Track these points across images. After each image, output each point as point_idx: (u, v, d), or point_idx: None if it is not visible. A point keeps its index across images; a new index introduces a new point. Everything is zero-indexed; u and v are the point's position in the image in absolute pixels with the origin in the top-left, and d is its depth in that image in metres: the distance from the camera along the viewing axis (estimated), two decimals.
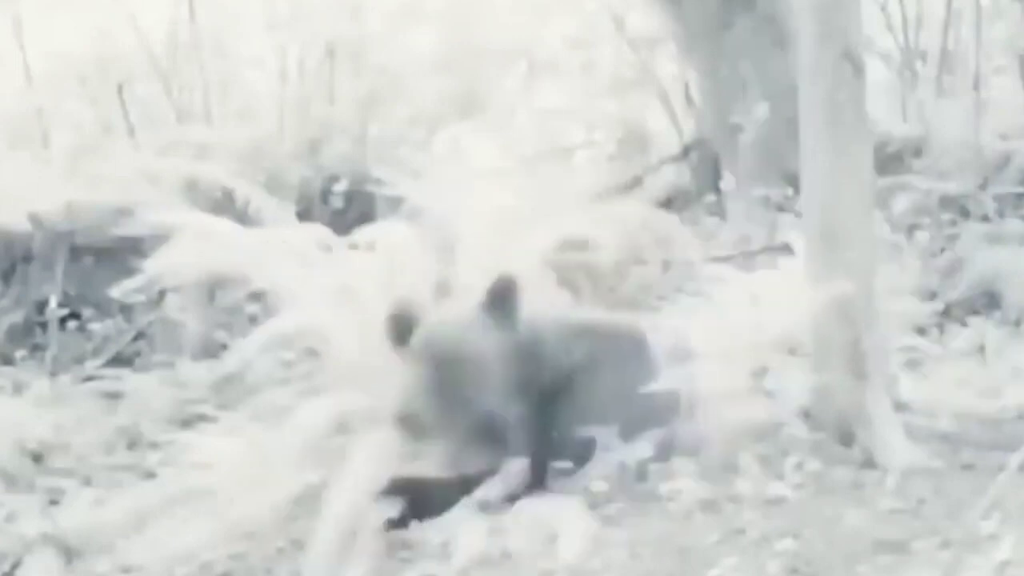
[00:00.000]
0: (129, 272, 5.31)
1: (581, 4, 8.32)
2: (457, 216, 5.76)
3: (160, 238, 5.27)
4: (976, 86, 6.83)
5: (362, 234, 5.41)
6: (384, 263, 5.17)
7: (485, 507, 4.23)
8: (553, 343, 4.48)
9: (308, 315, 4.90)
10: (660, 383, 4.37)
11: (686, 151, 7.40)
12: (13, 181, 6.86)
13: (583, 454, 4.39)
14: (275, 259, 5.06)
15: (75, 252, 6.60)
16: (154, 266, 5.10)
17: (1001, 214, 6.37)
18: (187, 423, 5.21)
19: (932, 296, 5.87)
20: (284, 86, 7.46)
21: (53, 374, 6.02)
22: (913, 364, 5.21)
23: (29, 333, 6.43)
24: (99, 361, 6.13)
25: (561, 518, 4.23)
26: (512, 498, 4.26)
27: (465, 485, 4.28)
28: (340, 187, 7.09)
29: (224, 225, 5.34)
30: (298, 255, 5.12)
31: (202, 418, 5.09)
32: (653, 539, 4.11)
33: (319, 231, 5.39)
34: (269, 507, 4.42)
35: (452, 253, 5.50)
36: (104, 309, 6.37)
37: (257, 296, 5.23)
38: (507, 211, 5.84)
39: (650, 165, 7.62)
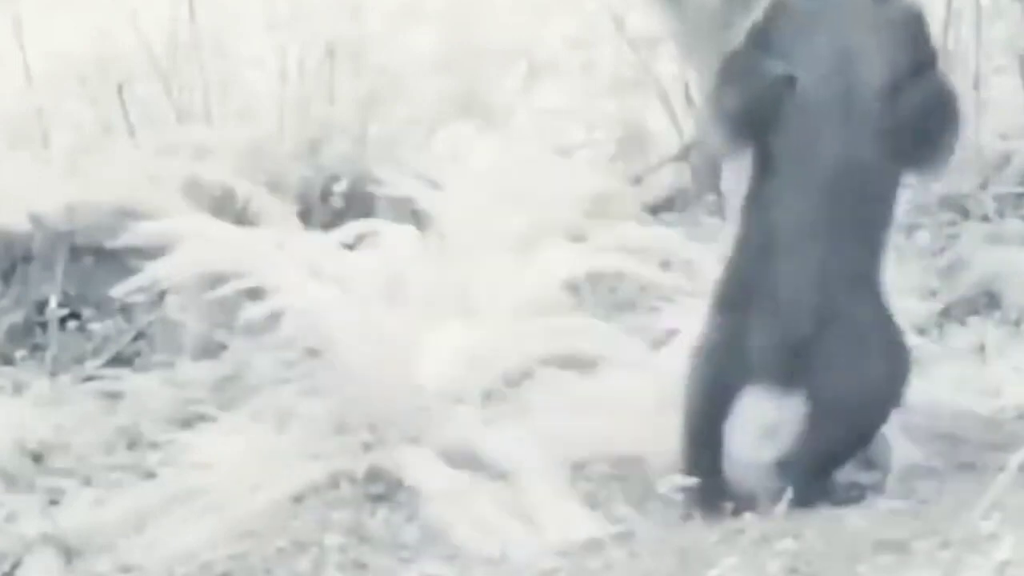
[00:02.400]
0: (129, 272, 5.31)
1: (581, 4, 8.32)
2: (454, 215, 5.78)
3: (160, 240, 5.27)
4: (976, 86, 6.82)
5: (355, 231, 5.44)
6: (385, 264, 5.18)
7: None
8: None
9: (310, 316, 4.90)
10: None
11: (686, 151, 7.39)
12: (13, 181, 6.86)
13: None
14: (276, 260, 5.06)
15: (75, 252, 6.60)
16: (155, 268, 5.10)
17: (1001, 214, 6.36)
18: (187, 423, 5.21)
19: (932, 296, 5.87)
20: (284, 86, 7.45)
21: (53, 374, 6.01)
22: (913, 364, 5.20)
23: (29, 333, 6.43)
24: (99, 361, 6.13)
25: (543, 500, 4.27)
26: None
27: None
28: (340, 187, 7.08)
29: (225, 229, 5.35)
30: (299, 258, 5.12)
31: (202, 418, 5.10)
32: (653, 539, 4.11)
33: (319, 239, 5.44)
34: (269, 507, 4.43)
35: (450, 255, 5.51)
36: (104, 309, 6.37)
37: (257, 296, 5.22)
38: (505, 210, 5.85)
39: (650, 165, 7.62)
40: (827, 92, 4.14)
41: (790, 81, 4.11)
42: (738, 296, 4.21)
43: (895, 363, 4.22)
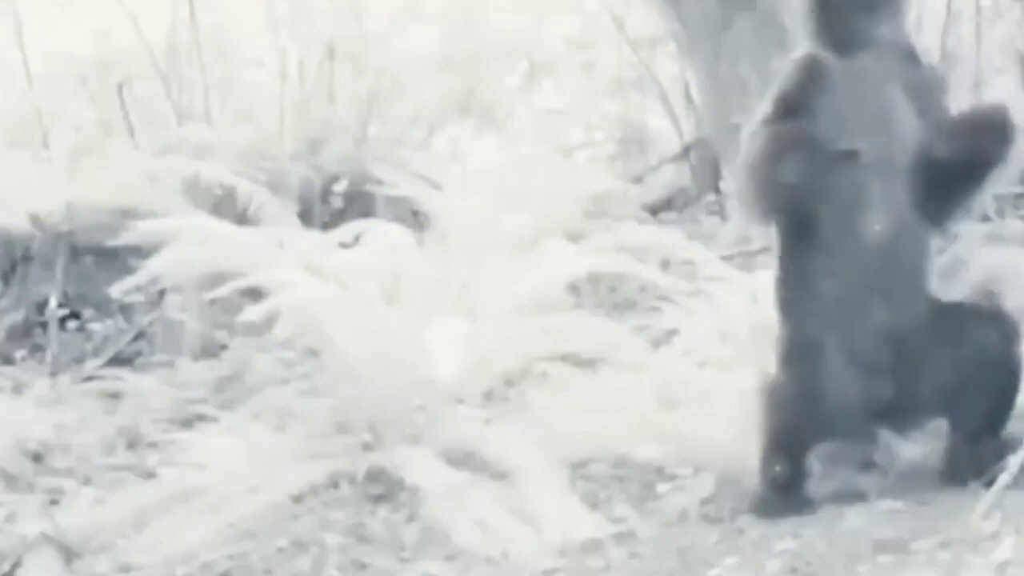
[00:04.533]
0: (129, 272, 5.32)
1: (581, 4, 8.33)
2: (454, 215, 5.79)
3: (160, 239, 5.27)
4: (976, 86, 6.82)
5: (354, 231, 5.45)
6: (382, 263, 5.18)
7: None
8: None
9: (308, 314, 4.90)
10: None
11: (686, 151, 7.40)
12: (13, 181, 6.87)
13: None
14: (276, 260, 5.06)
15: (75, 252, 6.61)
16: (153, 266, 5.10)
17: (1001, 214, 6.36)
18: (187, 423, 5.21)
19: None
20: (284, 86, 7.47)
21: (53, 374, 6.02)
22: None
23: (29, 333, 6.44)
24: (99, 361, 6.14)
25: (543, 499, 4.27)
26: None
27: None
28: (340, 187, 7.09)
29: (225, 229, 5.35)
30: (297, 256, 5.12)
31: (202, 418, 5.10)
32: (653, 539, 4.12)
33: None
34: (269, 507, 4.43)
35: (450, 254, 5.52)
36: (104, 309, 6.39)
37: (257, 296, 5.23)
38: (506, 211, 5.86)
39: (650, 165, 7.63)
40: (871, 155, 4.11)
41: (854, 156, 4.06)
42: (803, 351, 4.16)
43: (1000, 330, 4.22)
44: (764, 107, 4.17)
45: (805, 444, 4.15)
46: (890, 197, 4.11)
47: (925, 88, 4.21)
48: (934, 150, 4.13)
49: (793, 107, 4.12)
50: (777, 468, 4.13)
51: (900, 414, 4.17)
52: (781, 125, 4.11)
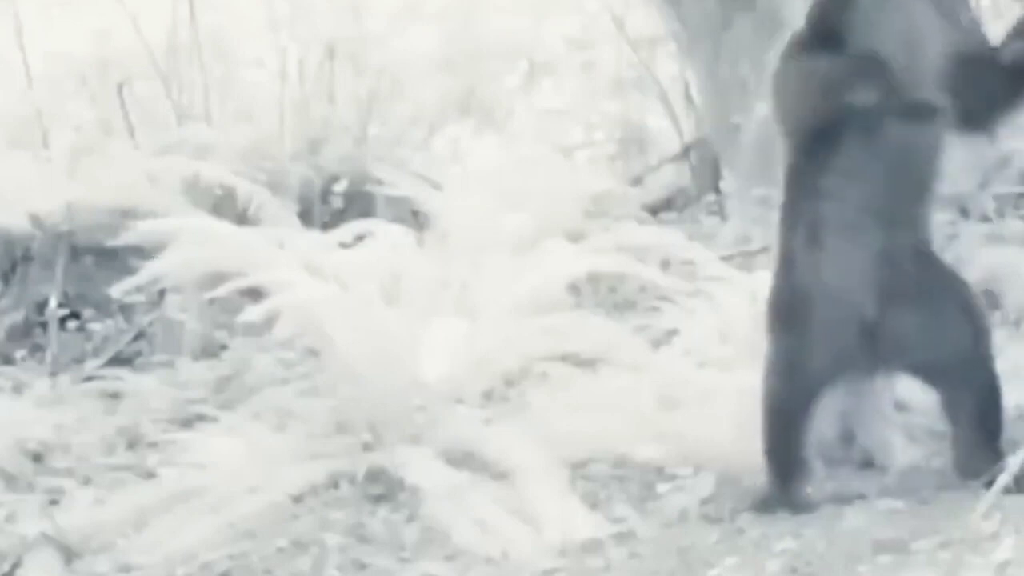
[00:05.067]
0: (129, 272, 5.32)
1: (581, 4, 8.34)
2: (454, 215, 5.79)
3: (160, 239, 5.28)
4: None
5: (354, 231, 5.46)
6: (382, 263, 5.18)
7: None
8: None
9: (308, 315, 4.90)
10: None
11: (686, 151, 7.40)
12: (13, 181, 6.87)
13: None
14: (276, 260, 5.06)
15: (75, 252, 6.61)
16: (154, 266, 5.11)
17: (1001, 214, 6.36)
18: (187, 423, 5.22)
19: None
20: (284, 86, 7.47)
21: (53, 374, 6.02)
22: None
23: (29, 333, 6.44)
24: (99, 361, 6.14)
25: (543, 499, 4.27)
26: None
27: None
28: (340, 187, 7.10)
29: (225, 229, 5.35)
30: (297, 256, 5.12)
31: (202, 418, 5.10)
32: (653, 539, 4.12)
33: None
34: (269, 507, 4.43)
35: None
36: (104, 309, 6.39)
37: (257, 296, 5.23)
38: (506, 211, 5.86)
39: (650, 165, 7.63)
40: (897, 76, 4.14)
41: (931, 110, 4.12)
42: (794, 307, 4.17)
43: (973, 319, 4.26)
44: (797, 33, 4.21)
45: (807, 401, 4.14)
46: (909, 117, 4.12)
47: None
48: (982, 55, 4.15)
49: (824, 31, 4.15)
50: (809, 492, 4.15)
51: (883, 346, 4.15)
52: (847, 57, 4.12)
